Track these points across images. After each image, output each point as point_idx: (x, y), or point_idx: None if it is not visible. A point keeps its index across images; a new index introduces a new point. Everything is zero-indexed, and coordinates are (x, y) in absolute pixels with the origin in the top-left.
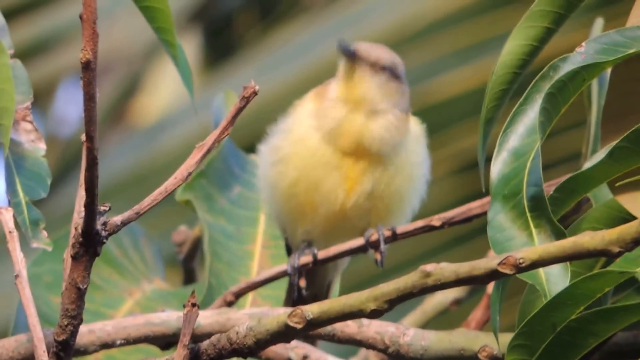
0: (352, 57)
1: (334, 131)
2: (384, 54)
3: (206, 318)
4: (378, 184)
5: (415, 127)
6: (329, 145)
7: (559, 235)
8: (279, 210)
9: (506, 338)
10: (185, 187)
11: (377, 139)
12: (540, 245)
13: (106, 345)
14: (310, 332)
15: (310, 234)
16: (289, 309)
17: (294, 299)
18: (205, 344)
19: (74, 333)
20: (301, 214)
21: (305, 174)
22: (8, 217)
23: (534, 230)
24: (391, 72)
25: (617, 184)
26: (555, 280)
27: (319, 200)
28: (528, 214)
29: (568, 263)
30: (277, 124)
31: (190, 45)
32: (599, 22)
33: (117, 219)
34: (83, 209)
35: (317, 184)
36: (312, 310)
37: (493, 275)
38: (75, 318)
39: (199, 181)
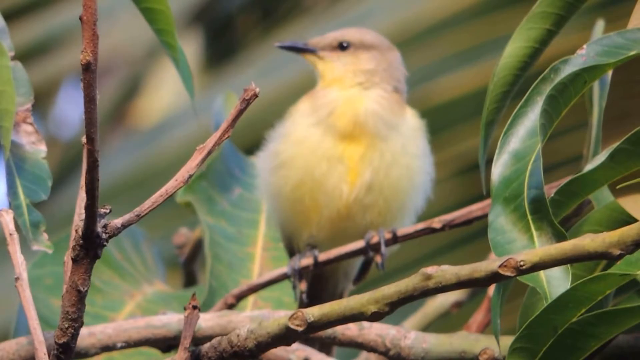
0: (305, 49)
1: (331, 115)
2: (338, 32)
3: (207, 321)
4: (376, 174)
5: (414, 119)
6: (330, 136)
7: (560, 237)
8: (284, 216)
9: (507, 341)
10: (185, 188)
11: (370, 112)
12: (541, 247)
13: (107, 348)
14: (311, 334)
15: (315, 239)
16: (289, 312)
17: (299, 303)
18: (206, 346)
19: (74, 336)
20: (306, 219)
21: (309, 173)
22: (9, 219)
23: (534, 233)
24: (358, 45)
25: (619, 187)
26: (556, 282)
27: (324, 201)
28: (529, 217)
29: (569, 265)
30: (275, 129)
31: (191, 47)
32: (600, 24)
33: (117, 221)
34: (84, 211)
35: (322, 182)
36: (313, 312)
37: (494, 277)
38: (76, 321)
39: (199, 183)
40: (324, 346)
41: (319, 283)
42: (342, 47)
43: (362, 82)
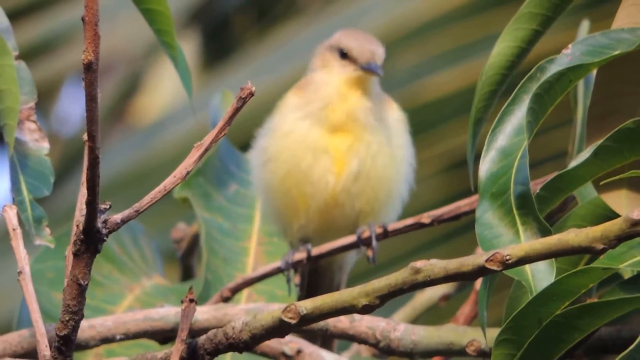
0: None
1: (324, 109)
2: (382, 49)
3: (203, 313)
4: (363, 164)
5: (397, 112)
6: (318, 128)
7: (545, 232)
8: (274, 209)
9: (493, 333)
10: (183, 184)
11: (363, 107)
12: (527, 242)
13: (106, 340)
14: (304, 327)
15: (306, 231)
16: (283, 305)
17: (297, 296)
18: (202, 338)
19: (75, 328)
20: (294, 210)
21: (295, 165)
22: (12, 214)
23: (520, 228)
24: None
25: (602, 183)
26: (541, 276)
27: (310, 191)
28: (515, 212)
29: (553, 260)
30: (263, 125)
31: (189, 46)
32: (585, 25)
33: (117, 217)
34: (84, 207)
35: (307, 173)
36: (305, 305)
37: (481, 271)
38: (76, 313)
39: (196, 179)
40: (326, 340)
41: (315, 277)
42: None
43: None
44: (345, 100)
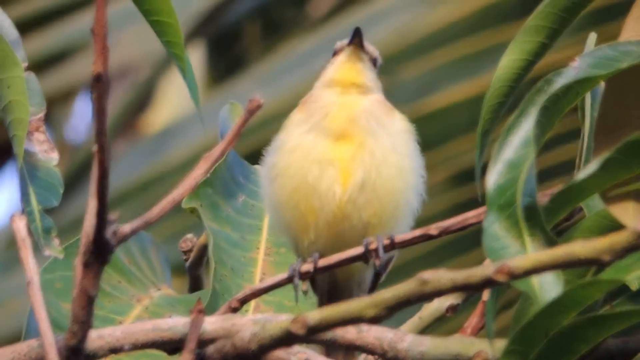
0: (360, 44)
1: (326, 117)
2: (372, 47)
3: (212, 324)
4: (368, 174)
5: (403, 122)
6: (321, 139)
7: (552, 244)
8: (285, 225)
9: (501, 344)
10: (191, 195)
11: (364, 111)
12: (534, 253)
13: (115, 350)
14: (311, 337)
15: (316, 246)
16: (292, 315)
17: (318, 303)
18: (210, 349)
19: (83, 338)
20: (304, 224)
21: (303, 178)
22: (21, 225)
23: (527, 239)
24: (374, 63)
25: (609, 195)
26: (548, 287)
27: (318, 204)
28: (522, 224)
29: (560, 271)
30: (272, 143)
31: (197, 58)
32: (593, 37)
33: (126, 227)
34: (93, 217)
35: (315, 186)
36: (313, 316)
37: (488, 283)
38: (85, 324)
39: (204, 190)
40: (348, 353)
41: (334, 294)
42: (372, 58)
43: (367, 89)
44: (346, 107)
